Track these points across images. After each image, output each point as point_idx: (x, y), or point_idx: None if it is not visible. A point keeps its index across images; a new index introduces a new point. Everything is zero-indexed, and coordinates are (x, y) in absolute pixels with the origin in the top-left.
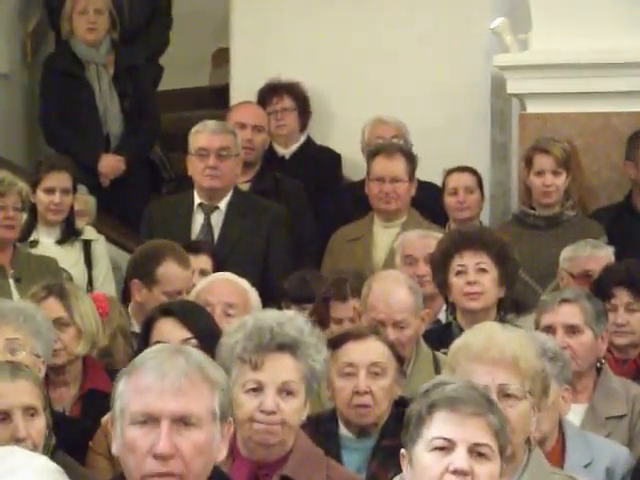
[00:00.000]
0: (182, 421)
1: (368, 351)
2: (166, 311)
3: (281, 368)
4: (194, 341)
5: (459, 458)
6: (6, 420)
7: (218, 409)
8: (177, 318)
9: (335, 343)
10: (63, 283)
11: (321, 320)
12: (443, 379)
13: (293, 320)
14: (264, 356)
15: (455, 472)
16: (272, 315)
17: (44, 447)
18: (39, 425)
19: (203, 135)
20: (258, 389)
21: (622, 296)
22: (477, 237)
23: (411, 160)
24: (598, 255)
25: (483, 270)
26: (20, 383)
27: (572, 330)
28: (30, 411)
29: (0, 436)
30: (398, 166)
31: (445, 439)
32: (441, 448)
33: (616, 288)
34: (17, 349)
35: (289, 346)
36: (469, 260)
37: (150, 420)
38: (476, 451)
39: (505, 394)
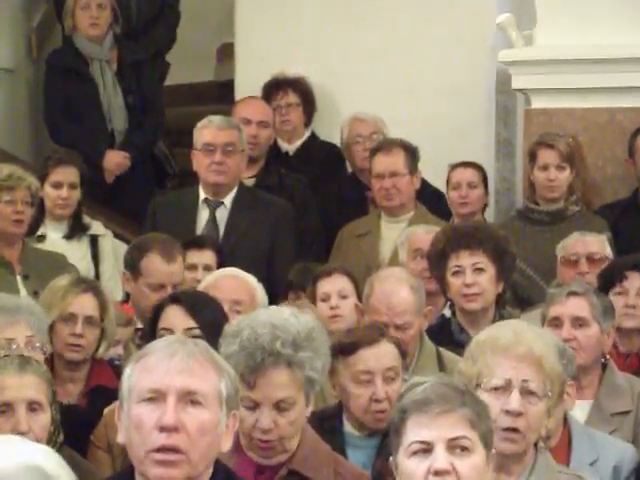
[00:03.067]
0: (188, 398)
1: (383, 357)
2: (174, 299)
3: (276, 386)
4: (197, 331)
5: (438, 459)
6: (8, 413)
7: (225, 393)
8: (183, 306)
9: (347, 349)
10: (96, 282)
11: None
12: (415, 381)
13: (288, 331)
14: (257, 375)
15: (436, 473)
16: (267, 329)
17: (50, 443)
18: (43, 420)
19: (209, 130)
20: (254, 407)
21: (634, 278)
22: (472, 235)
23: (411, 153)
24: (585, 239)
25: (480, 270)
26: (26, 377)
27: (579, 323)
28: (34, 405)
29: (2, 429)
30: (397, 161)
31: (421, 442)
32: (420, 452)
33: (629, 271)
34: (34, 348)
35: (284, 360)
36: (465, 260)
37: (157, 396)
38: (455, 446)
39: (527, 391)
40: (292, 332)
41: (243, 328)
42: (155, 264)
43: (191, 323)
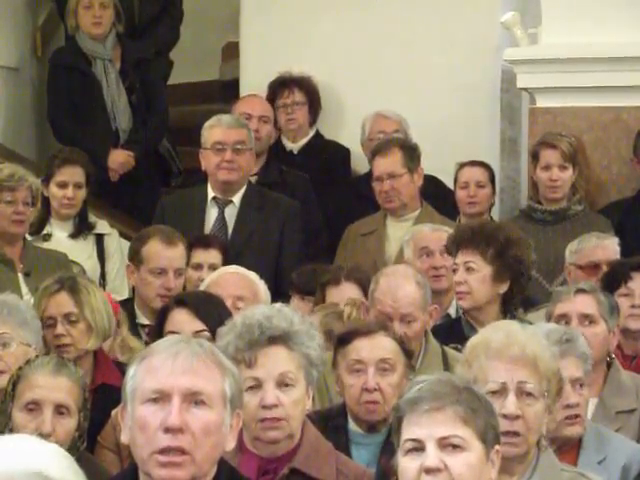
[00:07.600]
0: (193, 398)
1: (377, 347)
2: (180, 301)
3: (276, 361)
4: (207, 333)
5: (428, 456)
6: (36, 412)
7: (229, 393)
8: (190, 309)
9: (343, 339)
10: (75, 277)
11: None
12: (417, 380)
13: (281, 312)
14: (257, 352)
15: (427, 471)
16: (260, 311)
17: (72, 449)
18: (68, 425)
19: (219, 129)
20: (257, 386)
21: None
22: (472, 235)
23: (410, 151)
24: (604, 244)
25: (471, 269)
26: (60, 380)
27: (587, 320)
28: (62, 409)
29: (27, 426)
30: (394, 162)
31: (413, 440)
32: (412, 450)
33: (634, 272)
34: (8, 342)
35: (280, 338)
36: (460, 259)
37: (161, 397)
38: (446, 444)
39: (523, 392)
40: (285, 312)
41: (236, 320)
42: (156, 249)
43: (199, 325)
